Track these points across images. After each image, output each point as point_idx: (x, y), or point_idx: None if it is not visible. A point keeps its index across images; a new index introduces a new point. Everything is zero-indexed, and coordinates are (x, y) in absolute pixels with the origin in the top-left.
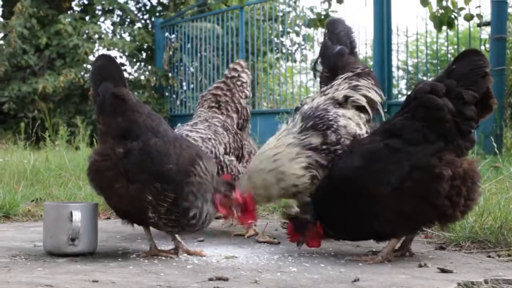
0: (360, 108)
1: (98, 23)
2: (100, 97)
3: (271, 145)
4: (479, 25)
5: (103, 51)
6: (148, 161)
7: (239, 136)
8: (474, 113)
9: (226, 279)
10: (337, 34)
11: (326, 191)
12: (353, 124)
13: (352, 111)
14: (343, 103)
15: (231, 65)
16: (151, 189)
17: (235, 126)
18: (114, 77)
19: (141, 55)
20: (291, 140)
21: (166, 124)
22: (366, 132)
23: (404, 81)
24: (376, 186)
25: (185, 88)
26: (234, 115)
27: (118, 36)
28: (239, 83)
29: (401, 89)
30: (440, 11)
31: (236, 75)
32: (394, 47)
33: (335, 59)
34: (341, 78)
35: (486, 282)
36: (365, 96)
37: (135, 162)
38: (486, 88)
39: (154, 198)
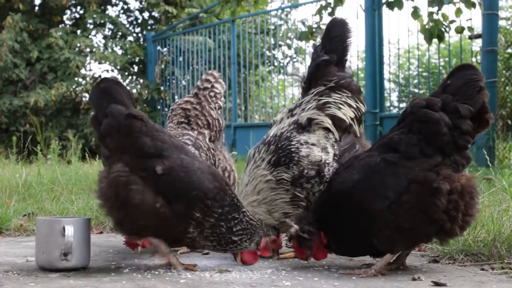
0: (327, 128)
1: (90, 36)
2: (110, 119)
3: (245, 181)
4: (470, 38)
5: (95, 64)
6: (194, 178)
7: (212, 151)
8: (471, 127)
9: None
10: (331, 38)
11: (325, 205)
12: (317, 150)
13: (318, 134)
14: (307, 126)
15: (203, 76)
16: (200, 206)
17: (207, 141)
18: (122, 99)
19: (133, 68)
20: (265, 172)
21: (184, 143)
22: (334, 155)
23: (396, 93)
24: (374, 200)
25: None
26: (206, 131)
27: (110, 50)
28: (212, 94)
29: (393, 102)
30: (430, 23)
31: (209, 86)
32: (385, 59)
33: (313, 70)
34: (312, 93)
35: None
36: (332, 116)
37: (179, 179)
38: (482, 103)
39: (201, 214)
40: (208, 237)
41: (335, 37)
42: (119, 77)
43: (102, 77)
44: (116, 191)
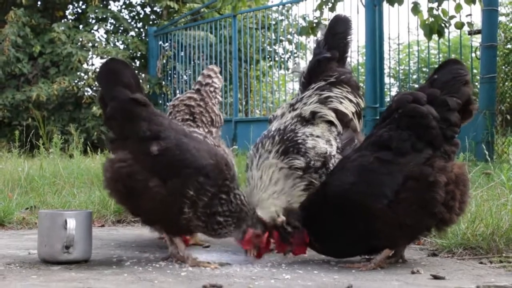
0: (330, 122)
1: (92, 31)
2: (116, 102)
3: (258, 175)
4: (470, 33)
5: (97, 59)
6: (188, 156)
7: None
8: (458, 119)
9: (220, 286)
10: (334, 35)
11: (319, 209)
12: (322, 142)
13: (321, 127)
14: (311, 119)
15: (205, 71)
16: (193, 183)
17: (212, 139)
18: (130, 83)
19: (135, 63)
20: (276, 161)
21: (191, 130)
22: (337, 148)
23: (396, 88)
24: (372, 200)
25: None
26: (214, 129)
27: (112, 44)
28: (212, 89)
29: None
30: (430, 19)
31: (210, 81)
32: (386, 55)
33: (314, 65)
34: (312, 88)
35: None
36: (335, 110)
37: (174, 158)
38: (468, 95)
39: (195, 192)
40: (200, 217)
41: (338, 33)
42: None
43: (111, 57)
44: (122, 183)
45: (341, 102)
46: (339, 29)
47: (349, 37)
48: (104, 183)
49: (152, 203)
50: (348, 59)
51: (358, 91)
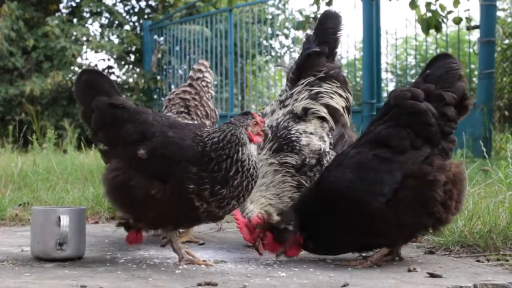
0: (322, 118)
1: (86, 25)
2: (96, 112)
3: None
4: (468, 28)
5: (91, 53)
6: (175, 149)
7: None
8: (455, 114)
9: (215, 284)
10: (324, 30)
11: (314, 205)
12: (316, 139)
13: (314, 123)
14: (303, 116)
15: (195, 66)
16: (189, 176)
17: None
18: (106, 89)
19: (129, 57)
20: (267, 156)
21: (173, 117)
22: (330, 144)
23: (393, 84)
24: (371, 198)
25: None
26: (207, 122)
27: (106, 39)
28: (204, 83)
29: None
30: (428, 14)
31: (201, 76)
32: (383, 50)
33: (302, 59)
34: (302, 83)
35: (475, 286)
36: (327, 105)
37: (163, 156)
38: (463, 90)
39: (195, 185)
40: (220, 205)
41: (328, 29)
42: (115, 66)
43: (82, 68)
44: (119, 191)
45: (331, 98)
46: (329, 25)
47: (339, 32)
48: (105, 193)
49: (159, 209)
50: (344, 54)
51: (347, 86)
